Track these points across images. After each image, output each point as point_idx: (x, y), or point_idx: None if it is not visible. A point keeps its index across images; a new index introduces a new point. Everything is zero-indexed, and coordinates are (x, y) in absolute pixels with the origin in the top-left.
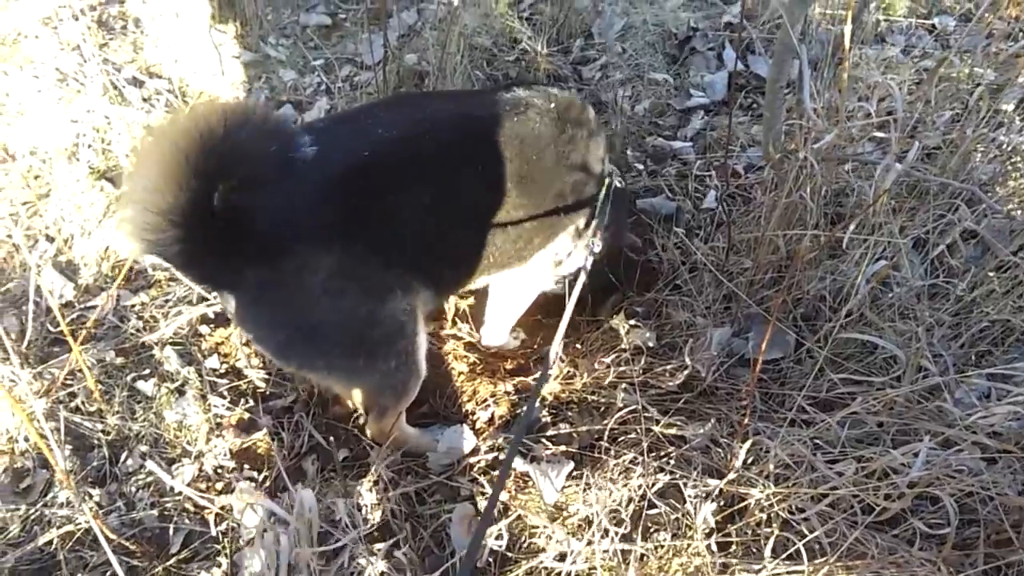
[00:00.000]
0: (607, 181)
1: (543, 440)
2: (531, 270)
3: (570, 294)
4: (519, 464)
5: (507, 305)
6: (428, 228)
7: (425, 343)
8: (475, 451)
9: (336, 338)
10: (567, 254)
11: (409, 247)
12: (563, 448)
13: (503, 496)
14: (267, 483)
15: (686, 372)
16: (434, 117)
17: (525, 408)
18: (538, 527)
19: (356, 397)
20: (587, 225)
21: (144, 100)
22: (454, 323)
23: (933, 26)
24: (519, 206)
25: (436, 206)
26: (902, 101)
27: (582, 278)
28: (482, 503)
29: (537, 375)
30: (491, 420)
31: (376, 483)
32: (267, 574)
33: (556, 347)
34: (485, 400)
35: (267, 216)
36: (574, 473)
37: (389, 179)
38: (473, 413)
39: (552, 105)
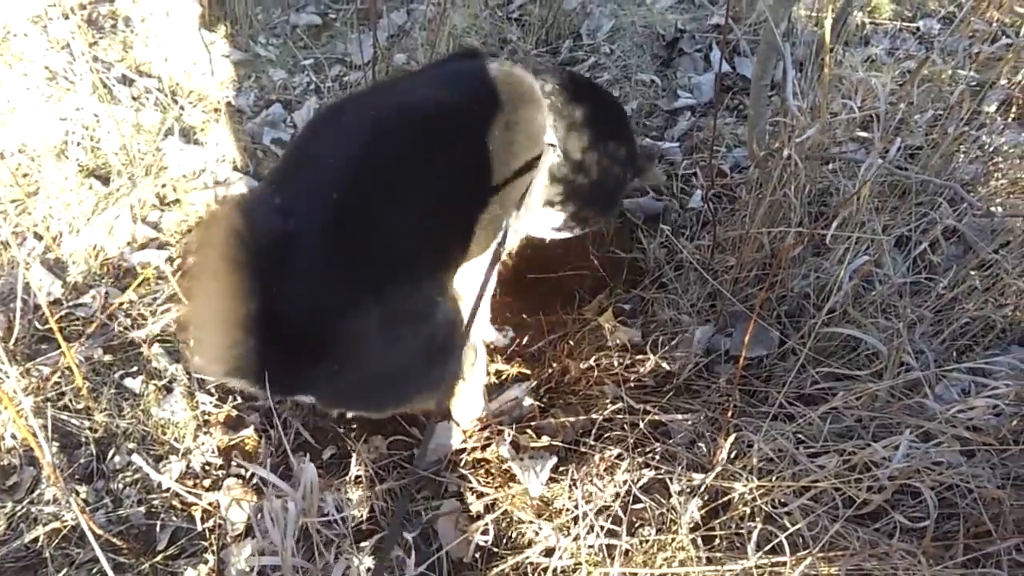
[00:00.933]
0: (545, 154)
1: (528, 431)
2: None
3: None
4: (504, 452)
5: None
6: (425, 226)
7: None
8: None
9: (413, 370)
10: (514, 231)
11: (422, 253)
12: (547, 441)
13: (488, 490)
14: (255, 479)
15: (669, 369)
16: (375, 121)
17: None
18: (524, 522)
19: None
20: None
21: (134, 99)
22: None
23: (918, 28)
24: (474, 191)
25: (418, 204)
26: (884, 98)
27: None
28: (470, 498)
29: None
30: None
31: (362, 480)
32: (272, 543)
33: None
34: None
35: (297, 307)
36: (560, 469)
37: (369, 205)
38: None
39: (490, 79)
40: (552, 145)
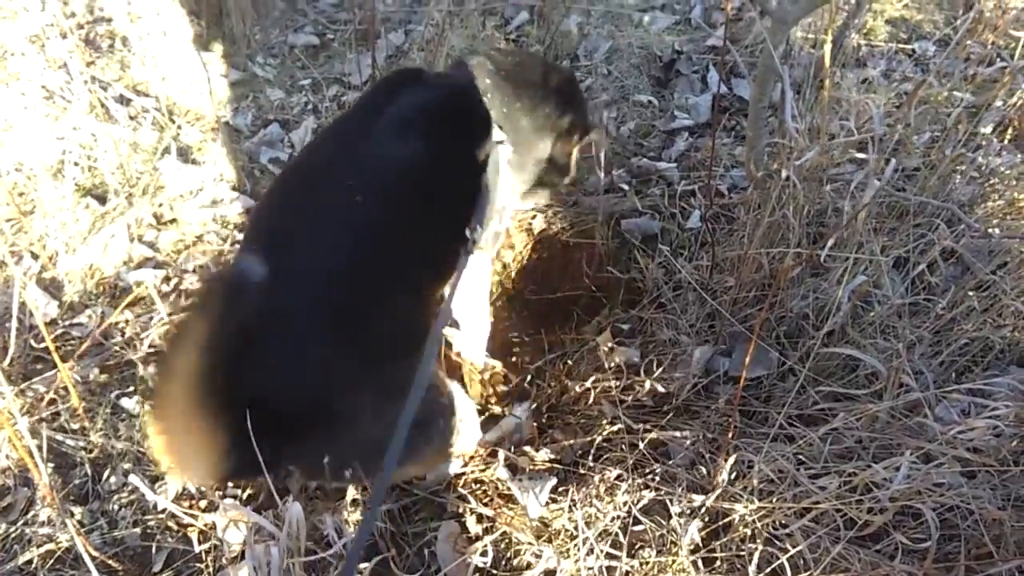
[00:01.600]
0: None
1: (527, 452)
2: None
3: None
4: (501, 474)
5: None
6: (389, 295)
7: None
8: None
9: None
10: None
11: (400, 330)
12: (546, 459)
13: (487, 512)
14: (251, 503)
15: (668, 389)
16: (352, 194)
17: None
18: (523, 543)
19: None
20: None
21: (131, 118)
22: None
23: (913, 51)
24: (449, 235)
25: (400, 268)
26: (880, 119)
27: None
28: (469, 521)
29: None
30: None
31: (359, 501)
32: None
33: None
34: None
35: (280, 396)
36: (560, 489)
37: (361, 279)
38: None
39: (441, 115)
40: (500, 142)
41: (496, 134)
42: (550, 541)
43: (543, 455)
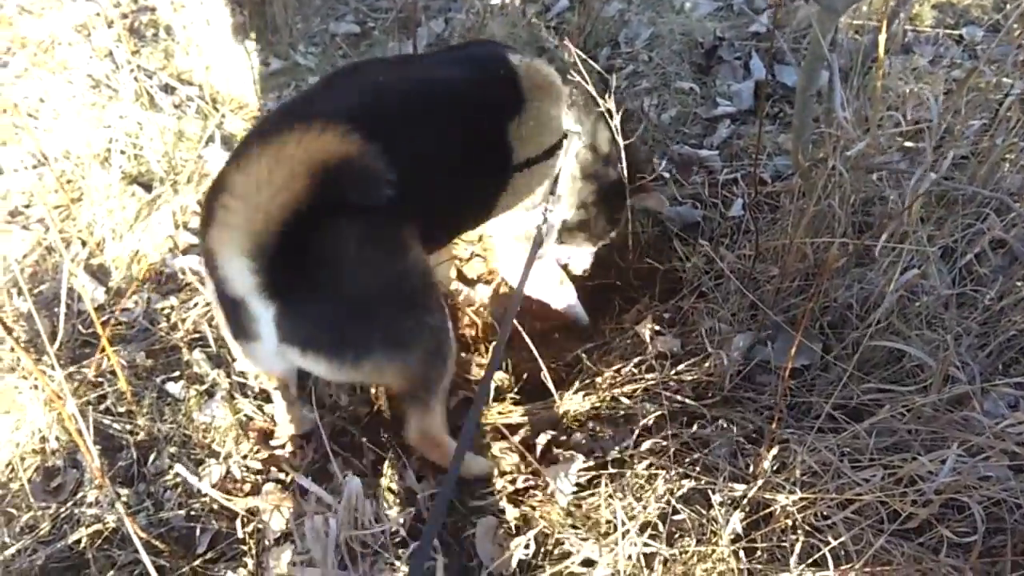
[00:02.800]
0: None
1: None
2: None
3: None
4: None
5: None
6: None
7: None
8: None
9: (383, 306)
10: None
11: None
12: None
13: (526, 510)
14: (293, 485)
15: (710, 379)
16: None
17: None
18: (564, 535)
19: (404, 383)
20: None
21: (175, 106)
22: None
23: (960, 36)
24: (476, 165)
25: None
26: (937, 110)
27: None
28: (507, 512)
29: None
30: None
31: (399, 492)
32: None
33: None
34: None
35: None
36: (600, 478)
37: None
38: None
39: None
40: (576, 132)
41: (571, 124)
42: (591, 530)
43: (575, 439)
